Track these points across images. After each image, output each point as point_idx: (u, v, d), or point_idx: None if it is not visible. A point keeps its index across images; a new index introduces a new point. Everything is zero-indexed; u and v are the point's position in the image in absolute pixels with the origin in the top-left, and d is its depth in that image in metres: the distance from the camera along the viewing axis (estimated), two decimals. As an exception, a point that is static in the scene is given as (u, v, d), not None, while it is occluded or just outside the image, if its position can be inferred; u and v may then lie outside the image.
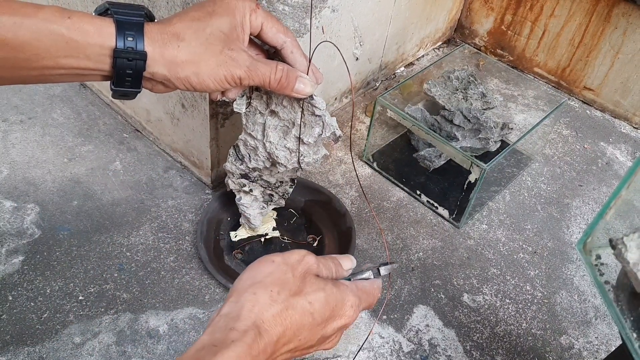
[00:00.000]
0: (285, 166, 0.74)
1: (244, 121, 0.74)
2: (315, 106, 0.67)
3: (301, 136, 0.70)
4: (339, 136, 0.72)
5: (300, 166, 0.74)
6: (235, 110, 0.71)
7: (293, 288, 0.47)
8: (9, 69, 0.47)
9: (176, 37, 0.53)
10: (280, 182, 0.84)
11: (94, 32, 0.49)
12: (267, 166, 0.77)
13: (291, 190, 0.86)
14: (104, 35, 0.49)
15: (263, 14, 0.59)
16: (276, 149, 0.72)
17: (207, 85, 0.56)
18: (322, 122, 0.69)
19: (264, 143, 0.74)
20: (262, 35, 0.61)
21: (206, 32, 0.54)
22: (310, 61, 0.65)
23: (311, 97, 0.66)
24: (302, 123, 0.69)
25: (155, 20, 0.55)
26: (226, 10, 0.55)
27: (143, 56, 0.51)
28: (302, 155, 0.72)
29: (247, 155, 0.77)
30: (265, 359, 0.44)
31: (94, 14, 0.53)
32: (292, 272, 0.48)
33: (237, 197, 0.85)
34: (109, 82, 0.54)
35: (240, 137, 0.77)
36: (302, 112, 0.68)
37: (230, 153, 0.79)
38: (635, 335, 0.52)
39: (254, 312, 0.44)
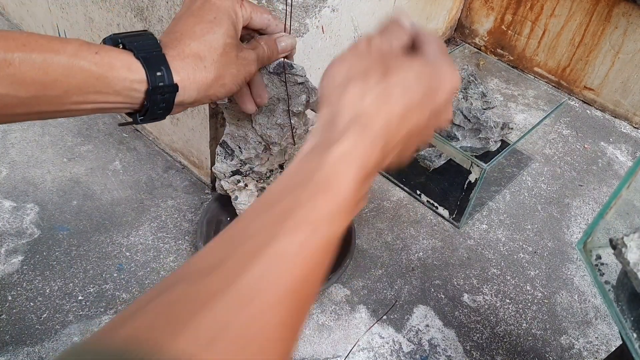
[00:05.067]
0: (279, 144, 0.75)
1: (226, 114, 0.74)
2: (296, 74, 0.68)
3: (290, 107, 0.71)
4: None
5: (294, 140, 0.74)
6: (218, 102, 0.72)
7: (379, 70, 0.41)
8: (38, 105, 0.46)
9: (198, 58, 0.53)
10: (270, 170, 0.84)
11: (122, 67, 0.48)
12: (260, 152, 0.77)
13: None
14: (133, 71, 0.49)
15: (247, 3, 0.60)
16: (267, 129, 0.73)
17: (232, 90, 0.57)
18: (307, 88, 0.71)
19: (253, 128, 0.74)
20: (251, 24, 0.62)
21: (220, 43, 0.54)
22: (286, 24, 0.67)
23: (290, 66, 0.67)
24: (288, 95, 0.70)
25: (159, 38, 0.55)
26: (224, 14, 0.56)
27: (175, 88, 0.51)
28: (294, 127, 0.73)
29: (237, 147, 0.77)
30: (379, 150, 0.39)
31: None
32: (368, 57, 0.43)
33: (233, 197, 0.85)
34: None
35: (225, 131, 0.77)
36: (285, 84, 0.69)
37: (219, 152, 0.79)
38: (635, 335, 0.52)
39: (350, 108, 0.39)
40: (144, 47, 0.50)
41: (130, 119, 0.55)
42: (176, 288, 0.29)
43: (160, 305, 0.28)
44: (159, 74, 0.50)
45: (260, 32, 0.65)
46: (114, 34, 0.53)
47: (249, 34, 0.66)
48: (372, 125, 0.39)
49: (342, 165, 0.36)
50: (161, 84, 0.50)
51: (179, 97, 0.52)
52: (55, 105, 0.47)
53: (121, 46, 0.51)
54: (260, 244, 0.31)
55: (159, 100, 0.51)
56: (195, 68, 0.52)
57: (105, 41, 0.52)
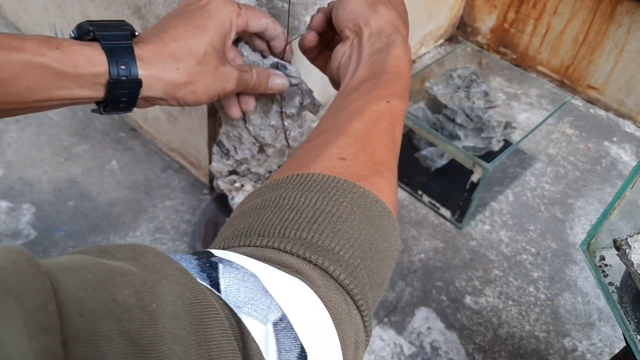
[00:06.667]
0: (273, 146, 0.73)
1: (221, 113, 0.73)
2: (290, 75, 0.67)
3: (283, 109, 0.70)
4: (319, 105, 0.71)
5: (288, 143, 0.73)
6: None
7: None
8: (1, 104, 0.45)
9: (173, 58, 0.52)
10: (269, 171, 0.82)
11: (85, 61, 0.47)
12: (255, 153, 0.76)
13: None
14: (96, 65, 0.48)
15: (245, 12, 0.58)
16: (261, 130, 0.72)
17: (201, 101, 0.56)
18: (301, 90, 0.69)
19: (247, 128, 0.73)
20: (248, 29, 0.60)
21: (201, 50, 0.53)
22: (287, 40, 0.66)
23: (285, 67, 0.66)
24: (282, 96, 0.69)
25: (138, 34, 0.53)
26: (215, 23, 0.55)
27: (138, 83, 0.50)
28: (287, 130, 0.72)
29: (233, 147, 0.76)
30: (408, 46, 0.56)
31: (73, 33, 0.51)
32: None
33: (230, 197, 0.83)
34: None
35: (221, 130, 0.76)
36: None
37: (215, 151, 0.78)
38: (639, 337, 0.51)
39: (390, 21, 0.55)
40: (114, 37, 0.49)
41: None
42: (306, 144, 0.45)
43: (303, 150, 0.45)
44: (122, 67, 0.48)
45: (259, 35, 0.64)
46: (87, 21, 0.51)
47: (249, 36, 0.65)
48: (402, 31, 0.56)
49: (400, 61, 0.52)
50: (124, 77, 0.49)
51: (145, 92, 0.51)
52: (19, 103, 0.46)
53: (92, 34, 0.50)
54: (358, 107, 0.46)
55: (120, 94, 0.50)
56: (166, 67, 0.51)
57: (77, 28, 0.51)
